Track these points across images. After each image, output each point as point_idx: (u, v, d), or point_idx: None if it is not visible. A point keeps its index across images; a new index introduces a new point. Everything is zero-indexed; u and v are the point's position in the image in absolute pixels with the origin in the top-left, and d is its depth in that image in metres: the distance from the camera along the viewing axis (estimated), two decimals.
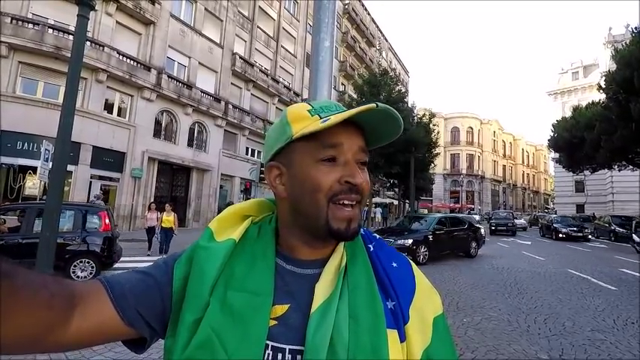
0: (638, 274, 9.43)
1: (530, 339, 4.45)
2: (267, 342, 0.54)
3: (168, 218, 9.59)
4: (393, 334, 0.56)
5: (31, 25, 13.21)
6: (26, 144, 13.13)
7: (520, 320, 5.20)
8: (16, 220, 6.72)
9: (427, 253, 10.18)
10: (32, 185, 13.30)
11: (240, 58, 22.20)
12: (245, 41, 23.39)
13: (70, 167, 13.97)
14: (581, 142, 25.35)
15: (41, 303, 0.45)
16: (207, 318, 0.54)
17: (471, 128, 58.81)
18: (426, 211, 35.39)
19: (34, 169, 12.25)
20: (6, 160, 13.00)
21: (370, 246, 0.66)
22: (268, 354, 0.54)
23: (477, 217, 23.75)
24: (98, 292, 0.54)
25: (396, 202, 36.15)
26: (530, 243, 18.57)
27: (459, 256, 11.78)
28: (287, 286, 0.59)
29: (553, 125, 32.42)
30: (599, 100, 24.43)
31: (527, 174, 72.87)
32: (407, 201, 30.61)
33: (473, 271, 9.57)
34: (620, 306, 6.16)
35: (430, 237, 10.51)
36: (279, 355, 0.54)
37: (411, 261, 0.69)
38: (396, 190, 30.98)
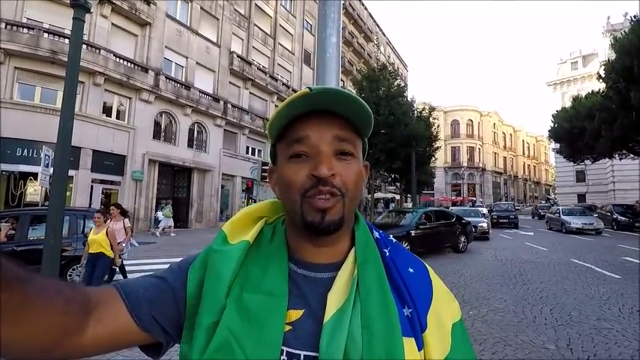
0: None
1: (537, 329, 4.45)
2: (282, 347, 0.53)
3: (97, 237, 5.36)
4: (410, 343, 0.54)
5: (26, 30, 13.14)
6: (26, 150, 13.12)
7: (526, 311, 5.20)
8: (10, 228, 6.66)
9: (409, 249, 9.91)
10: (33, 191, 13.31)
11: (238, 56, 22.12)
12: (242, 39, 23.31)
13: (71, 172, 13.94)
14: (582, 131, 25.28)
15: (57, 309, 0.45)
16: (225, 320, 0.53)
17: (471, 121, 58.70)
18: (426, 205, 35.31)
19: (34, 176, 12.24)
20: (7, 167, 12.97)
21: (386, 250, 0.64)
22: (283, 359, 0.53)
23: (484, 211, 23.29)
24: (113, 298, 0.54)
25: (397, 197, 36.12)
26: (532, 234, 18.56)
27: (457, 251, 11.52)
28: (300, 290, 0.58)
29: (553, 116, 32.33)
30: (599, 89, 24.35)
31: (528, 165, 72.83)
32: (409, 195, 30.63)
33: (477, 263, 9.56)
34: (625, 294, 6.16)
35: (413, 232, 10.18)
36: None
37: (428, 266, 0.67)
38: (398, 184, 31.01)
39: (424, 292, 0.61)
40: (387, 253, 0.63)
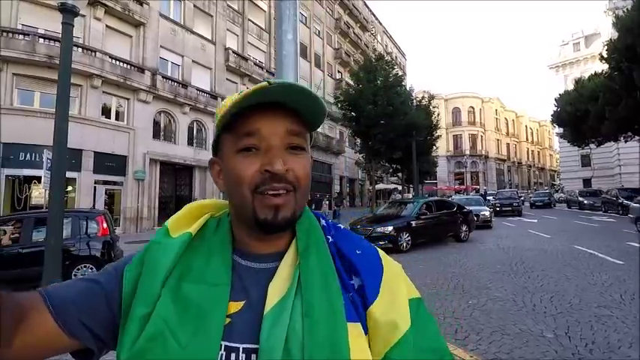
0: None
1: (536, 318, 4.45)
2: (221, 342, 0.51)
3: None
4: (355, 328, 0.53)
5: (21, 37, 13.16)
6: (29, 154, 13.21)
7: (526, 300, 5.20)
8: (14, 231, 6.77)
9: (410, 239, 9.82)
10: (38, 195, 13.43)
11: (234, 52, 22.02)
12: (237, 35, 23.18)
13: (73, 174, 14.12)
14: (585, 114, 25.01)
15: None
16: (159, 310, 0.52)
17: (472, 108, 58.23)
18: (428, 195, 35.26)
19: (38, 179, 12.37)
20: (11, 171, 13.13)
21: (329, 237, 0.63)
22: (221, 354, 0.51)
23: (493, 200, 23.19)
24: (38, 305, 0.52)
25: (400, 187, 36.08)
26: (536, 221, 18.49)
27: (459, 240, 11.49)
28: (242, 282, 0.57)
29: (556, 99, 31.98)
30: (602, 70, 23.98)
31: (532, 151, 72.22)
32: (411, 185, 30.57)
33: (479, 252, 9.55)
34: (628, 280, 6.13)
35: (413, 223, 10.17)
36: (233, 355, 0.52)
37: (380, 250, 0.65)
38: (400, 175, 30.95)
39: (373, 267, 0.60)
40: (331, 239, 0.62)
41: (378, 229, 9.66)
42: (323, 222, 0.66)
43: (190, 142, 19.51)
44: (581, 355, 3.43)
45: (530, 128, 72.51)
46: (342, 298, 0.55)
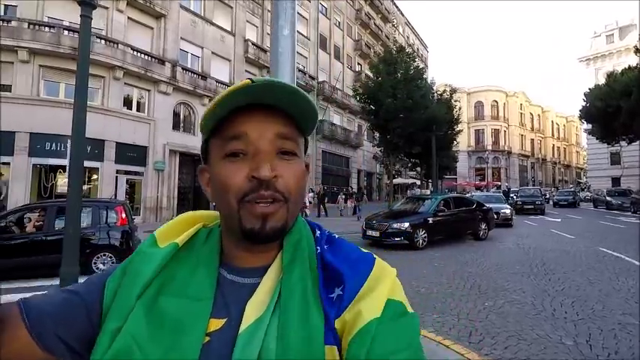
0: None
1: (556, 323, 4.27)
2: None
3: None
4: (331, 351, 0.48)
5: (47, 29, 13.52)
6: (54, 144, 13.65)
7: (545, 304, 5.01)
8: (38, 219, 7.02)
9: (426, 236, 9.62)
10: (63, 183, 13.88)
11: (253, 44, 22.02)
12: (256, 27, 23.16)
13: (96, 164, 14.56)
14: (617, 110, 23.92)
15: None
16: (128, 324, 0.48)
17: (496, 102, 56.57)
18: (448, 191, 34.58)
19: (63, 168, 12.82)
20: (38, 160, 13.64)
21: (318, 247, 0.58)
22: None
23: (514, 198, 22.59)
24: (15, 317, 0.50)
25: (418, 182, 35.58)
26: (560, 220, 17.86)
27: (477, 238, 11.19)
28: (224, 298, 0.53)
29: (585, 94, 30.76)
30: (637, 64, 22.77)
31: (558, 147, 69.74)
32: (430, 180, 30.08)
33: (498, 251, 9.30)
34: None
35: (430, 220, 9.93)
36: None
37: (377, 257, 0.59)
38: (418, 169, 30.47)
39: (359, 273, 0.54)
40: (319, 250, 0.57)
41: (394, 225, 9.52)
42: (318, 233, 0.61)
43: None
44: None
45: (557, 124, 69.95)
46: (322, 318, 0.50)
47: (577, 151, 75.32)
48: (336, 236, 0.63)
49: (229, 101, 0.50)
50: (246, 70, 21.93)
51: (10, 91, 13.31)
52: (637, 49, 20.03)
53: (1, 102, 12.99)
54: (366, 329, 0.48)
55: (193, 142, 18.69)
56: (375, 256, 0.59)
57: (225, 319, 0.51)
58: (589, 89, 30.82)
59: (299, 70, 25.83)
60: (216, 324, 0.50)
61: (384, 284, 0.53)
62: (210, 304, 0.51)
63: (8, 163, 13.24)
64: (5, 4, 13.97)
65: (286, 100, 0.52)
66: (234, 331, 0.49)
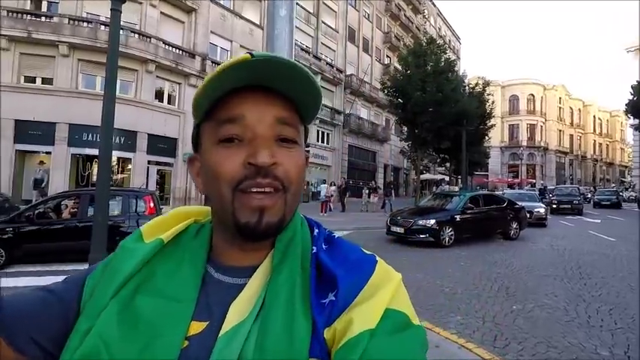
0: None
1: (590, 332, 4.01)
2: None
3: None
4: None
5: (85, 24, 14.14)
6: (91, 135, 14.31)
7: (579, 310, 4.71)
8: (73, 206, 7.35)
9: (453, 234, 9.31)
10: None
11: None
12: None
13: (129, 155, 15.16)
14: None
15: None
16: (99, 324, 0.45)
17: (532, 96, 53.94)
18: (478, 188, 33.45)
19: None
20: (76, 150, 14.44)
21: (314, 247, 0.52)
22: None
23: (549, 196, 21.63)
24: None
25: (447, 178, 34.65)
26: (599, 221, 16.86)
27: (508, 238, 10.72)
28: (209, 298, 0.49)
29: (633, 87, 28.76)
30: None
31: (600, 144, 65.71)
32: (459, 177, 29.21)
33: (529, 252, 8.88)
34: None
35: (458, 217, 9.60)
36: None
37: (380, 259, 0.53)
38: (447, 165, 29.65)
39: (357, 277, 0.48)
40: (315, 250, 0.52)
41: (420, 222, 9.29)
42: (316, 231, 0.56)
43: None
44: None
45: (599, 119, 65.84)
46: (309, 326, 0.44)
47: (621, 148, 70.77)
48: (336, 236, 0.57)
49: (227, 79, 0.45)
50: None
51: (52, 84, 14.05)
52: None
53: (44, 94, 13.76)
54: (354, 342, 0.41)
55: None
56: (377, 258, 0.53)
57: (207, 322, 0.46)
58: (637, 82, 28.75)
59: (326, 64, 25.64)
60: (197, 327, 0.46)
61: (384, 291, 0.47)
62: (192, 306, 0.47)
63: (49, 153, 14.05)
64: (49, 1, 14.70)
65: (289, 82, 0.47)
66: (216, 336, 0.44)
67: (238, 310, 0.46)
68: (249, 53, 0.43)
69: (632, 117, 30.74)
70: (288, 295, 0.46)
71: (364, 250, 0.55)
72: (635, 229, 14.02)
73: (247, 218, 0.46)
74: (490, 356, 3.33)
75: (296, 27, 19.45)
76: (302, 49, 23.61)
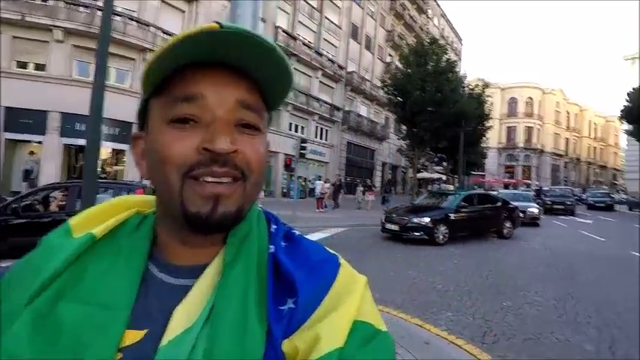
0: None
1: (577, 328, 4.06)
2: None
3: None
4: None
5: (82, 9, 13.81)
6: (83, 125, 14.05)
7: (568, 307, 4.76)
8: (62, 198, 7.17)
9: (447, 232, 9.37)
10: None
11: (283, 31, 21.91)
12: (288, 14, 22.99)
13: (123, 146, 14.95)
14: None
15: None
16: (7, 338, 0.38)
17: (531, 99, 54.26)
18: (475, 188, 33.62)
19: None
20: (69, 140, 13.97)
21: (272, 246, 0.47)
22: None
23: (543, 197, 21.79)
24: None
25: (444, 177, 34.75)
26: (591, 222, 17.01)
27: (501, 236, 10.80)
28: (149, 302, 0.43)
29: (628, 94, 29.14)
30: None
31: (594, 147, 66.32)
32: (456, 176, 29.33)
33: (521, 251, 8.95)
34: None
35: (452, 215, 9.64)
36: None
37: (343, 261, 0.49)
38: (445, 164, 29.75)
39: (319, 282, 0.44)
40: (272, 249, 0.46)
41: (414, 220, 9.32)
42: (273, 227, 0.51)
43: None
44: None
45: (595, 123, 66.38)
46: (263, 335, 0.40)
47: (615, 152, 71.42)
48: (297, 233, 0.52)
49: (187, 50, 0.39)
50: None
51: (45, 70, 13.72)
52: None
53: (37, 81, 13.44)
54: None
55: None
56: (341, 260, 0.49)
57: (145, 331, 0.41)
58: (633, 89, 29.14)
59: (328, 60, 25.51)
60: (133, 336, 0.40)
61: (350, 300, 0.43)
62: (127, 312, 0.41)
63: (40, 142, 13.68)
64: None
65: (260, 62, 0.41)
66: (156, 346, 0.39)
67: (183, 316, 0.40)
68: (217, 22, 0.38)
69: (626, 123, 31.09)
70: (242, 299, 0.41)
71: (328, 249, 0.50)
72: (625, 229, 14.19)
73: (198, 207, 0.40)
74: (478, 352, 3.35)
75: (299, 21, 19.21)
76: (304, 44, 23.49)
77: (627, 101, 28.98)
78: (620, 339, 3.77)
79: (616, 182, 61.40)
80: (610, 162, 70.38)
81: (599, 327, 4.09)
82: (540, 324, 4.15)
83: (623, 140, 49.90)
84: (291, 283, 0.43)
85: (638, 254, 8.73)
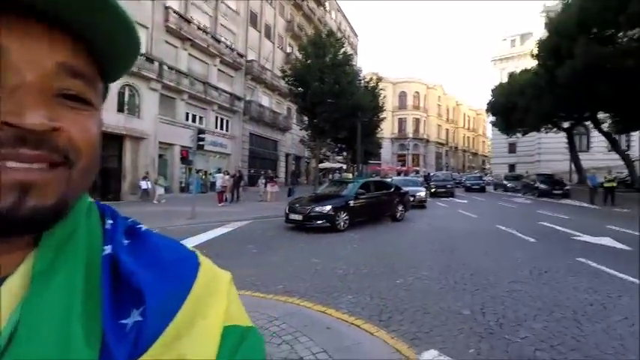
0: (553, 225, 10.39)
1: (456, 296, 4.62)
2: None
3: None
4: None
5: None
6: None
7: (449, 278, 5.41)
8: None
9: (347, 219, 9.94)
10: None
11: (175, 12, 20.16)
12: None
13: None
14: (515, 106, 27.00)
15: None
16: None
17: (418, 93, 60.42)
18: (373, 175, 36.23)
19: None
20: None
21: (107, 247, 0.36)
22: None
23: (429, 182, 24.40)
24: None
25: (345, 167, 36.62)
26: (466, 202, 19.82)
27: (395, 219, 11.84)
28: None
29: (492, 90, 34.26)
30: (531, 67, 25.88)
31: (468, 137, 77.44)
32: (355, 165, 31.16)
33: (412, 231, 9.92)
34: (537, 257, 6.68)
35: (352, 202, 10.27)
36: None
37: (202, 257, 0.42)
38: (345, 154, 31.34)
39: (175, 284, 0.37)
40: (108, 250, 0.36)
41: (317, 209, 9.59)
42: (109, 222, 0.40)
43: (121, 109, 17.72)
44: (492, 330, 3.59)
45: (468, 116, 77.47)
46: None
47: (483, 141, 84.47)
48: (144, 227, 0.42)
49: None
50: (165, 41, 20.05)
51: None
52: (532, 54, 22.74)
53: None
54: None
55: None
56: (200, 257, 0.41)
57: None
58: (495, 86, 34.43)
59: (226, 47, 24.42)
60: None
61: (216, 303, 0.38)
62: None
63: None
64: None
65: (94, 15, 0.31)
66: None
67: None
68: None
69: (490, 115, 36.72)
70: (61, 317, 0.31)
71: (185, 246, 0.43)
72: (492, 206, 16.90)
73: None
74: (375, 329, 3.57)
75: (192, 4, 17.78)
76: (199, 28, 22.01)
77: (491, 96, 34.17)
78: (488, 301, 4.41)
79: (484, 167, 72.69)
80: (480, 149, 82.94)
81: (472, 292, 4.73)
82: (427, 295, 4.63)
83: (489, 130, 58.88)
84: (136, 288, 0.35)
85: (503, 227, 10.39)
